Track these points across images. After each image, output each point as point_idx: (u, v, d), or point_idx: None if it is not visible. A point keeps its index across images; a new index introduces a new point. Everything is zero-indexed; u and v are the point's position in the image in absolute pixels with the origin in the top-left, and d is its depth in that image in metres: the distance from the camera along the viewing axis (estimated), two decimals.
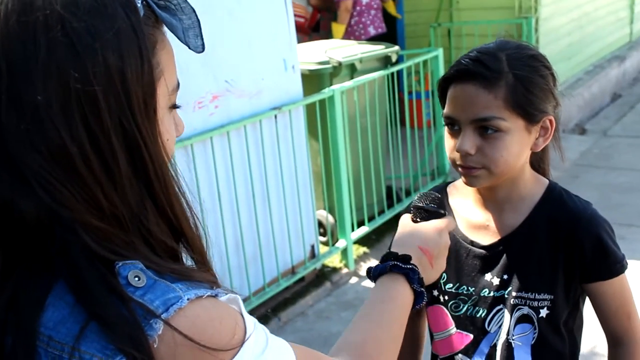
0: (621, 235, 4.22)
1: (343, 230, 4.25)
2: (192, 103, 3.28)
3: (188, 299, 0.73)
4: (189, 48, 0.83)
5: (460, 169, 1.32)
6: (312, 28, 6.35)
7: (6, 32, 0.73)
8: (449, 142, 1.34)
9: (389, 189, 4.73)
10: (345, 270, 4.27)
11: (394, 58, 4.57)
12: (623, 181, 5.32)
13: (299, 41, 6.14)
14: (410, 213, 1.23)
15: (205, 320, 0.74)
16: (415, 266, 1.10)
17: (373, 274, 1.12)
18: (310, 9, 6.40)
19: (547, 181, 1.41)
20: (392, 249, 1.15)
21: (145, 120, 0.76)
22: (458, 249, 1.40)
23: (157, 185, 0.78)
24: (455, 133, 1.31)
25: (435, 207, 1.21)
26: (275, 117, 3.72)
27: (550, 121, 1.31)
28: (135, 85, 0.75)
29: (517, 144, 1.28)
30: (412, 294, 1.09)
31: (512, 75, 1.25)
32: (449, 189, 1.49)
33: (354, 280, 4.22)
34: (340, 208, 4.21)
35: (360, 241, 4.47)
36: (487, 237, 1.39)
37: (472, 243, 1.39)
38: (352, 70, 4.34)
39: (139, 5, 0.77)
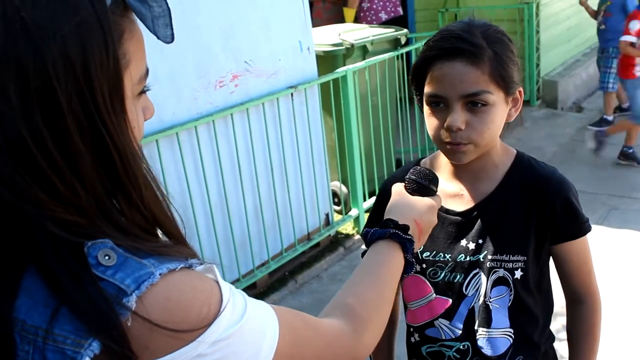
0: (614, 206, 4.12)
1: (355, 199, 4.13)
2: (213, 82, 3.15)
3: (160, 274, 0.64)
4: (158, 38, 0.69)
5: (448, 146, 1.21)
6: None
7: None
8: (432, 121, 1.22)
9: (398, 162, 4.63)
10: (357, 237, 4.16)
11: (403, 40, 4.39)
12: (614, 156, 5.12)
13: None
14: (404, 182, 1.15)
15: (178, 294, 0.65)
16: (412, 237, 1.03)
17: (370, 237, 1.04)
18: None
19: (515, 151, 1.33)
20: (389, 216, 1.07)
21: (111, 114, 0.65)
22: None
23: (125, 177, 0.68)
24: (439, 111, 1.20)
25: (427, 182, 1.14)
26: (292, 95, 3.58)
27: (520, 92, 1.25)
28: (100, 79, 0.64)
29: (500, 115, 1.21)
30: (404, 263, 1.01)
31: (491, 51, 1.17)
32: (422, 163, 1.37)
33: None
34: (352, 179, 4.08)
35: None
36: (462, 205, 1.30)
37: (447, 211, 1.30)
38: (364, 51, 4.18)
39: None
